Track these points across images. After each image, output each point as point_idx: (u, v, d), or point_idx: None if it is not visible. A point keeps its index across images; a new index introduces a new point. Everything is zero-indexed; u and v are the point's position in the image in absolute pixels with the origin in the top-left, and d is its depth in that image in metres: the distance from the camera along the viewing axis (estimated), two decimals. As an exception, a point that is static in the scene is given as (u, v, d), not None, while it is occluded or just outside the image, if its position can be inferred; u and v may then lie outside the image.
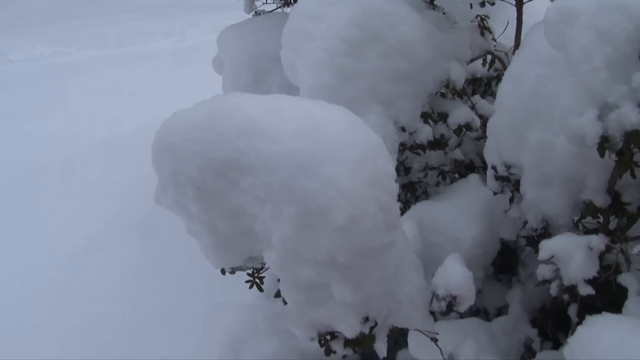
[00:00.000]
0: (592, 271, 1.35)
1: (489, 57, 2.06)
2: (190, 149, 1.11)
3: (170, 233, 2.87)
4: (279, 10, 3.20)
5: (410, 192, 2.05)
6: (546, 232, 1.67)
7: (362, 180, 1.06)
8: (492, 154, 1.67)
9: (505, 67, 2.06)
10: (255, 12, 3.20)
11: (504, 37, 2.23)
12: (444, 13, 1.95)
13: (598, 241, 1.37)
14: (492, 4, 1.79)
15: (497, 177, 1.69)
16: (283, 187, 1.05)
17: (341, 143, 1.06)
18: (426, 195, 2.13)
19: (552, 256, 1.39)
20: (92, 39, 7.56)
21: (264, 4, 3.29)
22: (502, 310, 2.13)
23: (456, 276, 1.38)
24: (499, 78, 2.13)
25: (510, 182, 1.69)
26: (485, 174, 2.14)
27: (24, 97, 5.44)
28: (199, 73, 5.20)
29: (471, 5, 1.86)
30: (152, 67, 6.42)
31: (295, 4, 1.90)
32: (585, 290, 1.36)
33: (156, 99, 5.25)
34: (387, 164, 1.14)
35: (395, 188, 1.17)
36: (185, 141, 1.12)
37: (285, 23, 1.87)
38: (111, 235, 3.19)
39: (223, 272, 1.37)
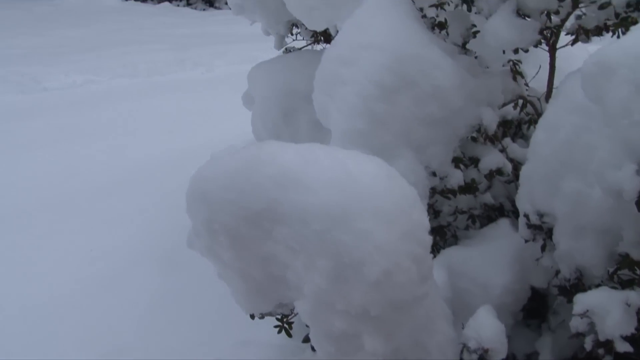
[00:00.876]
0: (629, 328, 1.32)
1: (520, 101, 2.05)
2: (225, 198, 1.12)
3: (196, 266, 2.85)
4: (309, 47, 3.24)
5: (440, 236, 2.03)
6: (580, 282, 1.64)
7: (397, 234, 1.06)
8: (525, 202, 1.65)
9: (537, 112, 2.04)
10: (286, 49, 3.24)
11: (536, 81, 2.22)
12: (476, 57, 1.95)
13: (636, 297, 1.33)
14: (526, 51, 1.79)
15: (530, 226, 1.66)
16: (317, 239, 1.05)
17: (376, 196, 1.06)
18: (455, 239, 2.11)
19: (587, 310, 1.36)
20: (123, 67, 7.71)
21: (294, 40, 3.34)
22: (531, 357, 2.08)
23: (488, 329, 1.36)
24: (530, 122, 2.12)
25: (542, 231, 1.67)
26: (516, 217, 2.11)
27: (57, 125, 5.55)
28: (227, 104, 5.28)
29: (504, 50, 1.86)
30: (181, 96, 6.52)
31: (328, 47, 1.92)
32: (623, 347, 1.33)
33: (184, 130, 5.33)
34: (421, 217, 1.14)
35: (429, 240, 1.17)
36: (220, 189, 1.13)
37: (315, 61, 1.88)
38: (137, 265, 3.20)
39: (252, 317, 1.36)
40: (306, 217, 1.05)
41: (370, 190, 1.06)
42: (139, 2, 16.42)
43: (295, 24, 3.15)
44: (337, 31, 2.06)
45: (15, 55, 8.30)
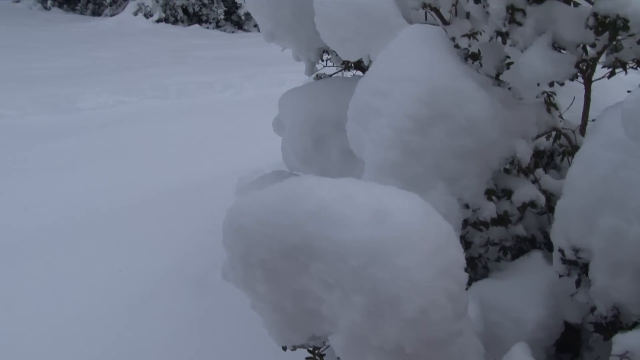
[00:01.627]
0: (671, 371, 1.28)
1: (553, 133, 2.04)
2: (262, 232, 1.13)
3: (225, 290, 2.88)
4: (339, 74, 3.26)
5: (471, 268, 2.00)
6: (617, 320, 1.60)
7: (434, 271, 1.05)
8: (560, 236, 1.63)
9: (571, 144, 2.02)
10: (317, 76, 3.27)
11: (570, 112, 2.20)
12: (509, 89, 1.95)
13: (677, 339, 1.30)
14: (562, 84, 1.78)
15: (564, 261, 1.64)
16: (353, 276, 1.05)
17: (414, 233, 1.06)
18: (486, 271, 2.08)
19: (627, 352, 1.33)
20: (153, 89, 7.83)
21: (324, 66, 3.36)
22: (564, 394, 2.03)
23: (523, 368, 1.34)
24: (564, 153, 2.10)
25: (577, 266, 1.64)
26: (548, 250, 2.08)
27: (88, 145, 5.65)
28: (255, 127, 5.33)
29: (538, 83, 1.85)
30: (210, 119, 6.59)
31: (360, 75, 1.94)
32: (663, 390, 1.29)
33: (213, 152, 5.38)
34: (458, 254, 1.13)
35: (464, 277, 1.16)
36: (257, 223, 1.14)
37: (346, 88, 1.90)
38: (166, 288, 3.23)
39: (284, 348, 1.36)
40: (343, 253, 1.05)
41: (407, 227, 1.06)
42: (169, 25, 16.77)
43: (326, 50, 3.18)
44: (370, 61, 2.07)
45: (49, 76, 8.52)
